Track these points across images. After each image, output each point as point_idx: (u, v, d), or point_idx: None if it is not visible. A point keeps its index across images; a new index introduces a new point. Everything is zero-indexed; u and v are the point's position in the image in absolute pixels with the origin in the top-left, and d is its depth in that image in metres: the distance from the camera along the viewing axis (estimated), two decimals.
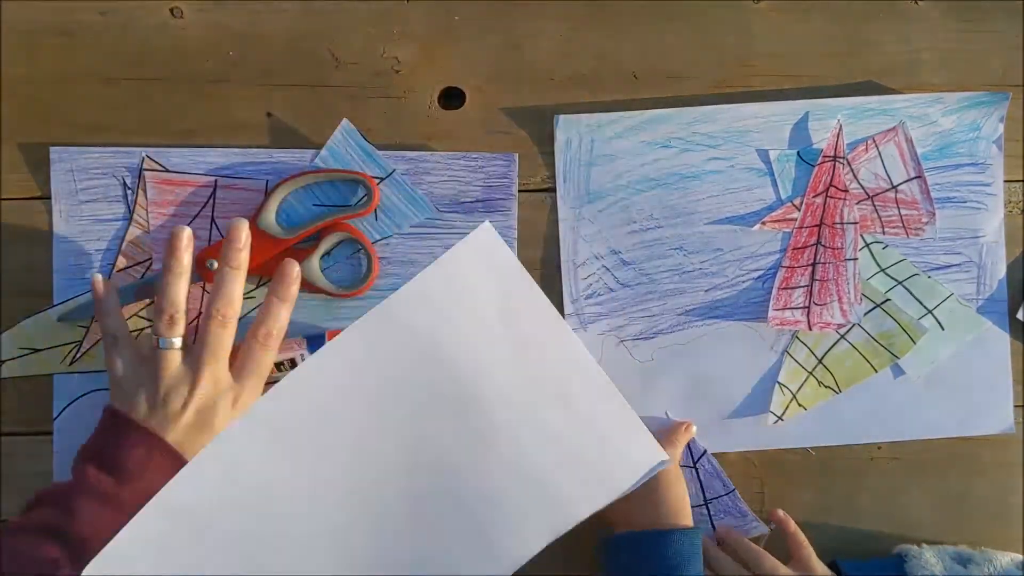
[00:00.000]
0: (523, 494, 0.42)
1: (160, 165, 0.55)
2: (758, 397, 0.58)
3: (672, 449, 0.55)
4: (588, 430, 0.44)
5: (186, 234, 0.49)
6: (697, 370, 0.58)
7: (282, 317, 0.50)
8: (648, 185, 0.58)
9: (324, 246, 0.54)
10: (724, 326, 0.58)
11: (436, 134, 0.57)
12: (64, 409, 0.55)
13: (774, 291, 0.58)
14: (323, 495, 0.40)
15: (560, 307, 0.58)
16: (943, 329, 0.59)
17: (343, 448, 0.40)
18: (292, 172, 0.55)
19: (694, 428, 0.57)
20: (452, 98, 0.57)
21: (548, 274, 0.58)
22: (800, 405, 0.58)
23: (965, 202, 0.59)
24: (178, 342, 0.49)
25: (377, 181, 0.55)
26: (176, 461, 0.47)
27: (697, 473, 0.58)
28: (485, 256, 0.40)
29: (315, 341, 0.54)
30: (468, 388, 0.41)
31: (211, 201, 0.55)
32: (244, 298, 0.52)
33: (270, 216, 0.54)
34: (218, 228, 0.54)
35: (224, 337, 0.49)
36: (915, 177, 0.58)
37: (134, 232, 0.55)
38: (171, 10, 0.56)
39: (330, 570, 0.40)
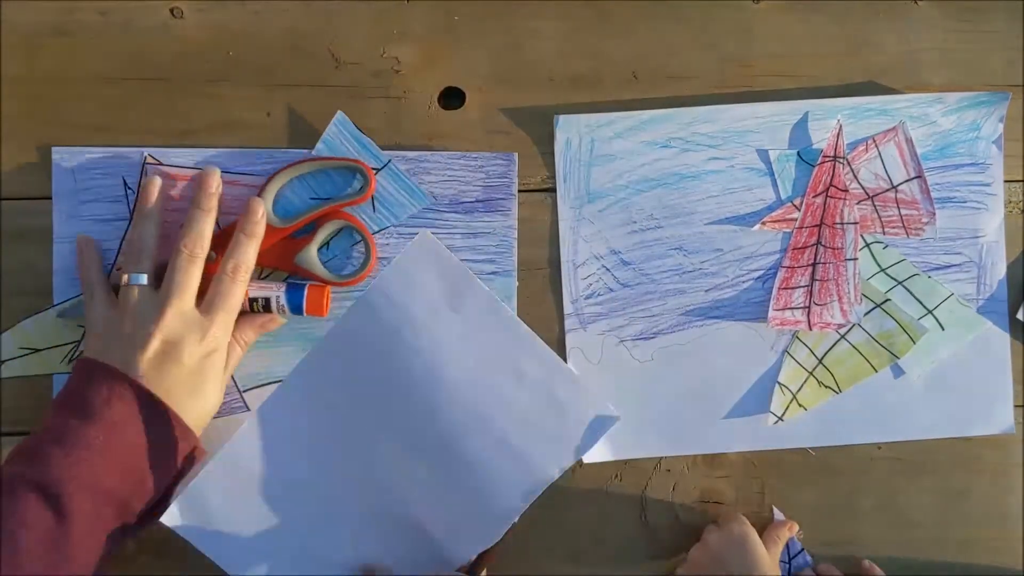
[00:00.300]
0: (499, 463, 0.51)
1: (161, 164, 0.55)
2: (758, 397, 0.58)
3: (774, 547, 0.56)
4: (544, 400, 0.51)
5: (217, 176, 0.52)
6: (697, 370, 0.58)
7: (249, 252, 0.51)
8: (648, 185, 0.58)
9: (322, 235, 0.54)
10: (724, 326, 0.58)
11: (436, 134, 0.57)
12: None
13: (774, 291, 0.58)
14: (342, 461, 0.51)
15: (560, 307, 0.58)
16: (943, 329, 0.59)
17: (351, 428, 0.51)
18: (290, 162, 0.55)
19: (796, 527, 0.58)
20: (452, 98, 0.57)
21: (548, 274, 0.58)
22: (800, 405, 0.58)
23: (965, 202, 0.59)
24: (145, 278, 0.50)
25: (374, 171, 0.55)
26: (140, 393, 0.47)
27: (789, 568, 0.58)
28: (431, 257, 0.49)
29: (294, 285, 0.54)
30: (433, 371, 0.50)
31: None
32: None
33: (267, 205, 0.54)
34: (218, 224, 0.54)
35: (191, 272, 0.50)
36: (915, 177, 0.58)
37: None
38: (171, 10, 0.56)
39: (352, 522, 0.51)
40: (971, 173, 0.59)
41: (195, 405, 0.49)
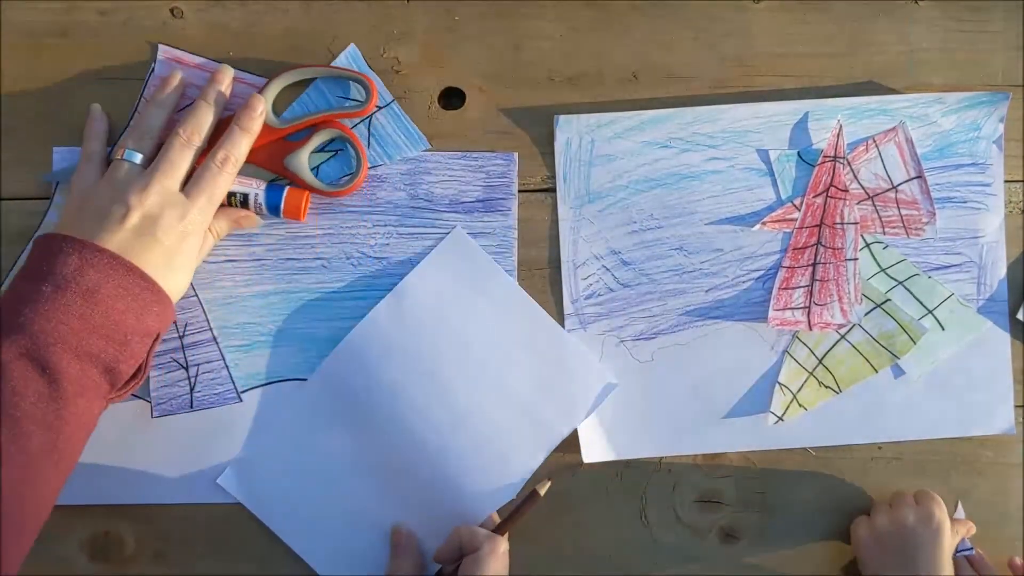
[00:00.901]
0: (518, 423, 0.57)
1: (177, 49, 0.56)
2: (758, 397, 0.58)
3: (952, 545, 0.56)
4: (555, 367, 0.57)
5: (230, 74, 0.53)
6: (697, 370, 0.58)
7: (242, 145, 0.52)
8: (648, 185, 0.58)
9: (316, 141, 0.55)
10: (724, 326, 0.58)
11: (436, 134, 0.57)
12: None
13: (774, 291, 0.58)
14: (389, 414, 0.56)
15: (560, 307, 0.58)
16: (943, 329, 0.59)
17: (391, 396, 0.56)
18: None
19: (974, 529, 0.58)
20: (452, 98, 0.57)
21: (548, 274, 0.58)
22: (800, 405, 0.58)
23: (965, 202, 0.59)
24: (139, 158, 0.50)
25: (375, 108, 0.56)
26: (112, 259, 0.46)
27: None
28: (463, 248, 0.57)
29: (274, 185, 0.54)
30: (461, 343, 0.57)
31: None
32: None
33: (267, 104, 0.54)
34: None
35: (184, 157, 0.50)
36: (915, 177, 0.58)
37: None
38: (171, 10, 0.56)
39: (382, 486, 0.57)
40: (971, 173, 0.59)
41: (166, 282, 0.49)
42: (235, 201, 0.53)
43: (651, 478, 0.59)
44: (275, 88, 0.54)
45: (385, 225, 0.57)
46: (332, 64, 0.56)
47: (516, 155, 0.57)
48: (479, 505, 0.56)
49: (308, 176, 0.55)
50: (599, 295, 0.58)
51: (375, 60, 0.57)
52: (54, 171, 0.55)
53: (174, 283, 0.50)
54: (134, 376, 0.49)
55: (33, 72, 0.56)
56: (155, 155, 0.50)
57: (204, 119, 0.51)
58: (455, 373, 0.56)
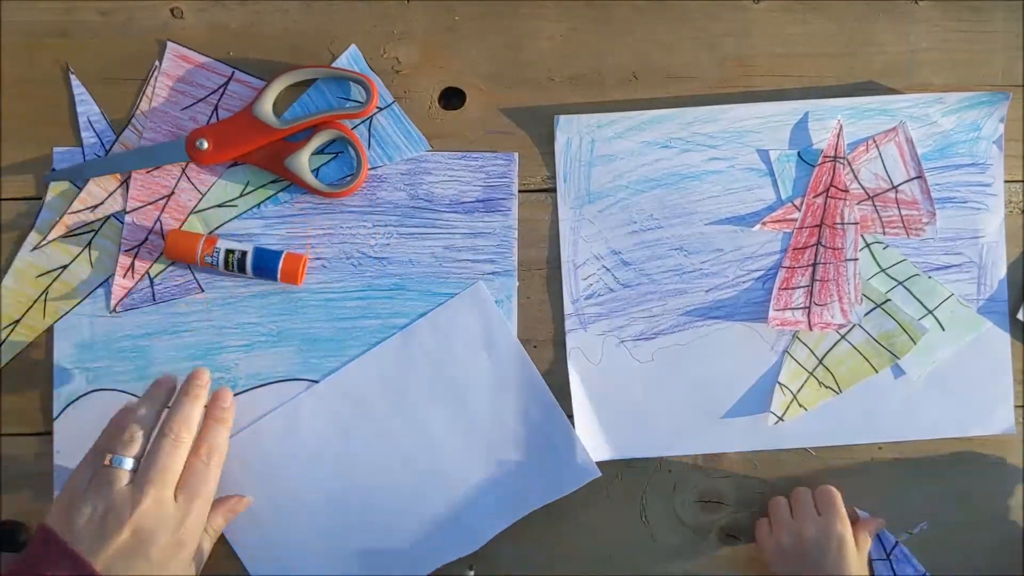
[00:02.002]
0: (493, 483, 0.57)
1: (181, 45, 0.56)
2: (758, 397, 0.58)
3: (864, 547, 0.56)
4: (542, 439, 0.57)
5: (206, 376, 0.52)
6: (698, 370, 0.58)
7: (221, 437, 0.51)
8: (648, 185, 0.58)
9: (316, 142, 0.55)
10: (724, 326, 0.58)
11: (436, 134, 0.57)
12: (64, 409, 0.55)
13: (774, 291, 0.58)
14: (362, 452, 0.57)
15: (560, 307, 0.58)
16: (943, 329, 0.59)
17: (371, 431, 0.57)
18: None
19: (883, 523, 0.58)
20: (452, 98, 0.57)
21: (548, 274, 0.58)
22: (801, 405, 0.58)
23: (965, 202, 0.59)
24: (130, 463, 0.48)
25: (376, 110, 0.56)
26: None
27: (891, 564, 0.58)
28: (479, 304, 0.57)
29: (267, 251, 0.54)
30: (456, 396, 0.57)
31: (222, 90, 0.55)
32: (227, 206, 0.55)
33: (267, 105, 0.54)
34: (217, 116, 0.54)
35: (175, 458, 0.48)
36: (915, 177, 0.58)
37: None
38: (171, 10, 0.56)
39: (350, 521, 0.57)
40: (971, 173, 0.59)
41: None
42: (232, 259, 0.53)
43: (651, 478, 0.59)
44: (275, 89, 0.54)
45: (385, 225, 0.57)
46: (333, 65, 0.56)
47: (516, 155, 0.57)
48: (435, 555, 0.57)
49: (308, 177, 0.55)
50: (599, 295, 0.58)
51: (375, 60, 0.57)
52: (54, 171, 0.55)
53: None
54: None
55: (33, 72, 0.56)
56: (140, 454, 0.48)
57: (190, 413, 0.50)
58: (444, 425, 0.56)
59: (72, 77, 0.55)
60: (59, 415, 0.55)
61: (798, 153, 0.58)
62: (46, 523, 0.47)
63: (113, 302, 0.55)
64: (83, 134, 0.55)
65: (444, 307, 0.56)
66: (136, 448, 0.48)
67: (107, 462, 0.47)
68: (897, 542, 0.58)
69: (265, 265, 0.54)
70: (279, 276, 0.54)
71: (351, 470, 0.56)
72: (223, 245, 0.54)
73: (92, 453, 0.49)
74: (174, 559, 0.48)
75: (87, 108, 0.55)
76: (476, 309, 0.57)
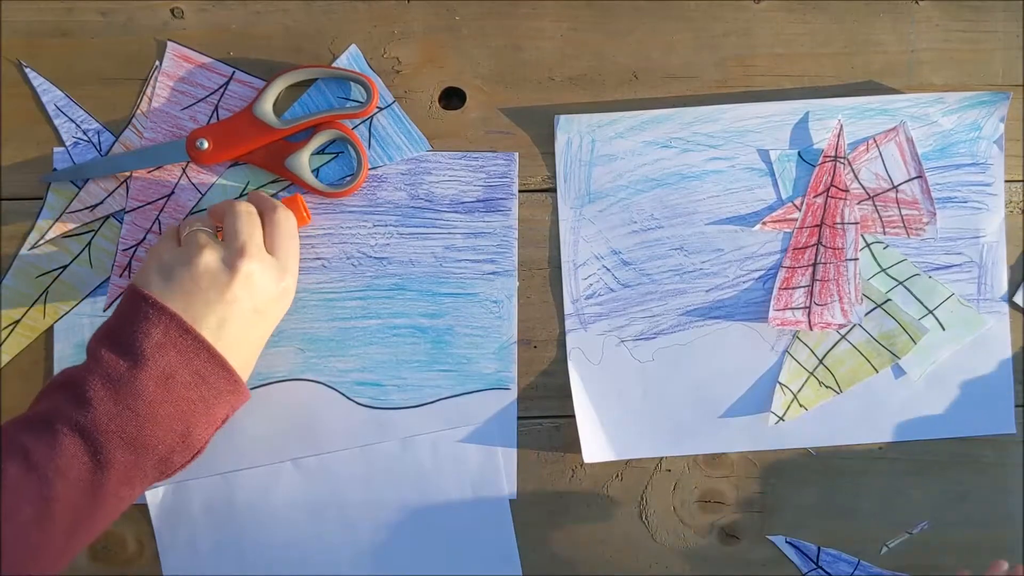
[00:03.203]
0: None
1: (183, 46, 0.56)
2: (759, 397, 0.58)
3: None
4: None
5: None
6: (698, 370, 0.58)
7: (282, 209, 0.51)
8: (649, 185, 0.58)
9: (316, 142, 0.55)
10: (725, 326, 0.58)
11: (436, 134, 0.57)
12: None
13: (775, 291, 0.58)
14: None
15: (560, 307, 0.58)
16: (944, 329, 0.59)
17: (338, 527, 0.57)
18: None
19: None
20: (452, 98, 0.57)
21: (548, 274, 0.58)
22: (801, 405, 0.58)
23: (966, 202, 0.59)
24: (210, 230, 0.49)
25: (376, 109, 0.56)
26: (195, 341, 0.45)
27: (824, 571, 0.58)
28: (484, 450, 0.57)
29: None
30: (437, 520, 0.57)
31: (222, 90, 0.56)
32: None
33: (267, 105, 0.54)
34: (217, 116, 0.54)
35: (253, 224, 0.49)
36: (916, 177, 0.58)
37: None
38: (171, 10, 0.56)
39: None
40: (972, 173, 0.59)
41: (246, 351, 0.48)
42: None
43: (651, 478, 0.59)
44: (275, 89, 0.54)
45: (385, 225, 0.57)
46: (333, 64, 0.56)
47: (516, 155, 0.57)
48: None
49: (309, 177, 0.55)
50: (599, 295, 0.58)
51: (375, 60, 0.57)
52: (53, 171, 0.55)
53: (250, 356, 0.49)
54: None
55: (33, 72, 0.56)
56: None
57: (248, 206, 0.50)
58: (410, 538, 0.57)
59: (32, 72, 0.55)
60: None
61: (798, 153, 0.58)
62: (135, 283, 0.47)
63: (108, 301, 0.55)
64: (55, 120, 0.55)
65: (447, 436, 0.57)
66: (209, 223, 0.50)
67: (195, 226, 0.48)
68: (819, 548, 0.58)
69: None
70: None
71: (315, 542, 0.57)
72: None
73: (165, 233, 0.50)
74: (272, 310, 0.49)
75: (54, 99, 0.55)
76: (482, 452, 0.57)
